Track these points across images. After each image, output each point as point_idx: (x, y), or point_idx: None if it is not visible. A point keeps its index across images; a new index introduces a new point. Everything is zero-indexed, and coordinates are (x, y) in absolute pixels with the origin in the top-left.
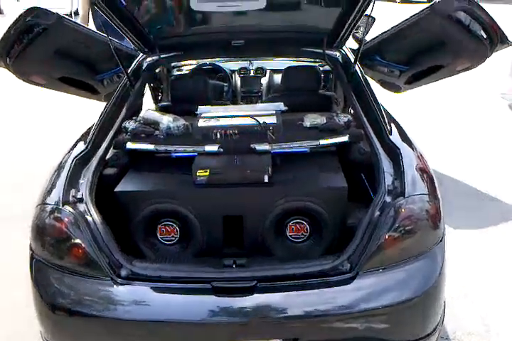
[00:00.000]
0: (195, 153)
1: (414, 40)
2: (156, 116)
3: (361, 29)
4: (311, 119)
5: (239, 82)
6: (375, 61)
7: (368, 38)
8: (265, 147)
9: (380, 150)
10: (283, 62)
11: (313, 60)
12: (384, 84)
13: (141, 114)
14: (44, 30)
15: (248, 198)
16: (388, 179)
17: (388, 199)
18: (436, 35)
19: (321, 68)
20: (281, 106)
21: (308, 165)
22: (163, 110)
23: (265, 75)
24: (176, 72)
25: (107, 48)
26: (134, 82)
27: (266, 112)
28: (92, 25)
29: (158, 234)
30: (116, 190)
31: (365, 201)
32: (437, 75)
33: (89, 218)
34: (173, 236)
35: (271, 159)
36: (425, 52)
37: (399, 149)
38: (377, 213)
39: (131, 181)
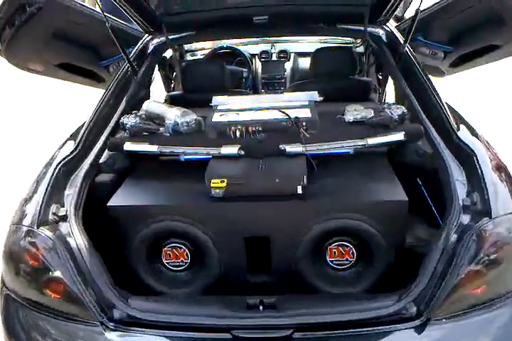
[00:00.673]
0: (210, 156)
1: (465, 15)
2: (162, 109)
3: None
4: (355, 112)
5: (260, 68)
6: (415, 41)
7: (407, 15)
8: (298, 148)
9: (446, 152)
10: (308, 45)
11: (343, 40)
12: (424, 67)
13: (144, 107)
14: (38, 9)
15: (277, 215)
16: (461, 190)
17: (466, 218)
18: (494, 9)
19: None
20: (315, 95)
21: (353, 171)
22: (172, 101)
23: (289, 59)
24: (189, 57)
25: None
26: (137, 68)
27: (297, 103)
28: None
29: (163, 259)
30: (109, 204)
31: (423, 214)
32: (490, 57)
33: (72, 243)
34: (182, 261)
35: (306, 164)
36: (478, 30)
37: (472, 150)
38: (453, 238)
39: (129, 192)
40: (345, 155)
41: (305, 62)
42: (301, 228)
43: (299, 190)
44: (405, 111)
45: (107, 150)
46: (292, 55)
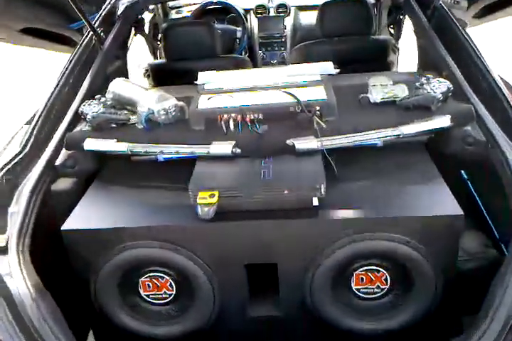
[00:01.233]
0: (195, 155)
1: None
2: (133, 91)
3: None
4: (383, 89)
5: (256, 25)
6: None
7: None
8: (311, 144)
9: (504, 139)
10: None
11: None
12: None
13: (111, 88)
14: None
15: (286, 236)
16: None
17: None
18: None
19: None
20: (329, 67)
21: (385, 172)
22: (155, 73)
23: (289, 14)
24: (174, 16)
25: None
26: (104, 35)
27: (307, 79)
28: None
29: (141, 291)
30: (64, 227)
31: (472, 219)
32: None
33: (13, 288)
34: (165, 293)
35: (322, 165)
36: None
37: None
38: None
39: (91, 210)
40: (372, 149)
41: (308, 18)
42: (319, 252)
43: (315, 202)
44: (450, 86)
45: (64, 148)
46: (293, 9)
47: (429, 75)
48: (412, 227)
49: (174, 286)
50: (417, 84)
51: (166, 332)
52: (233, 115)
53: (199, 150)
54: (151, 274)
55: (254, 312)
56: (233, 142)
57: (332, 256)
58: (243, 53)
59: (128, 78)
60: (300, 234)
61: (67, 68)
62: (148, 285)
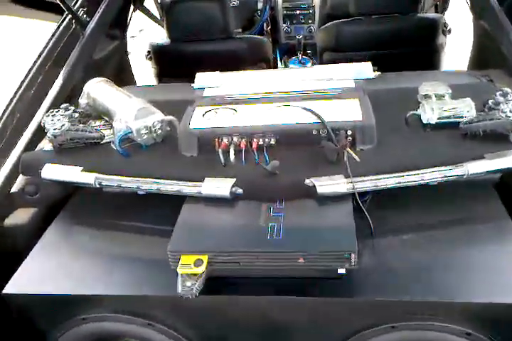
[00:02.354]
0: (182, 191)
1: None
2: (112, 97)
3: None
4: (439, 104)
5: None
6: None
7: None
8: (339, 186)
9: None
10: None
11: None
12: None
13: (85, 89)
14: None
15: (300, 315)
16: None
17: None
18: None
19: None
20: (367, 69)
21: (440, 226)
22: (157, 55)
23: None
24: None
25: None
26: (87, 16)
27: (336, 85)
28: None
29: None
30: (5, 291)
31: None
32: None
33: None
34: None
35: (353, 217)
36: None
37: None
38: None
39: (42, 266)
40: (422, 188)
41: None
42: (346, 339)
43: (341, 271)
44: None
45: (20, 173)
46: None
47: (507, 89)
48: (475, 315)
49: None
50: (490, 101)
51: None
52: (235, 139)
53: (188, 188)
54: None
55: None
56: (233, 180)
57: None
58: (265, 26)
59: (129, 61)
60: (319, 315)
61: (36, 61)
62: None
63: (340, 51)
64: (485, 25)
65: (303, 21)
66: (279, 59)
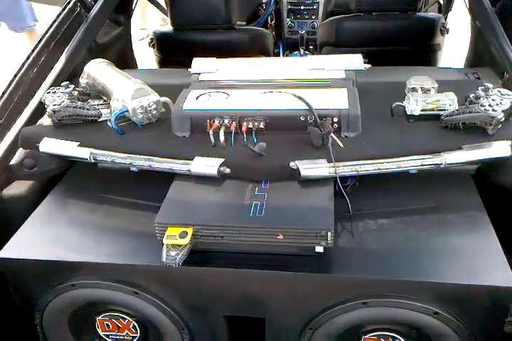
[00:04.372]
0: (172, 169)
1: None
2: (110, 78)
3: None
4: (424, 97)
5: None
6: None
7: None
8: (322, 169)
9: None
10: None
11: None
12: None
13: (85, 70)
14: None
15: (278, 290)
16: None
17: None
18: None
19: None
20: (358, 61)
21: (416, 214)
22: (160, 42)
23: None
24: None
25: None
26: (92, 0)
27: (327, 76)
28: None
29: (98, 330)
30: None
31: None
32: None
33: None
34: (127, 335)
35: (333, 200)
36: None
37: None
38: None
39: (36, 233)
40: (402, 177)
41: None
42: (319, 312)
43: (319, 249)
44: None
45: (20, 147)
46: None
47: (489, 84)
48: (444, 296)
49: (138, 329)
50: (471, 95)
51: None
52: (226, 122)
53: (178, 166)
54: (110, 314)
55: None
56: (221, 160)
57: (336, 319)
58: (269, 20)
59: (131, 48)
60: (296, 288)
61: (40, 41)
62: (107, 324)
63: (339, 46)
64: (479, 26)
65: (306, 17)
66: (281, 53)
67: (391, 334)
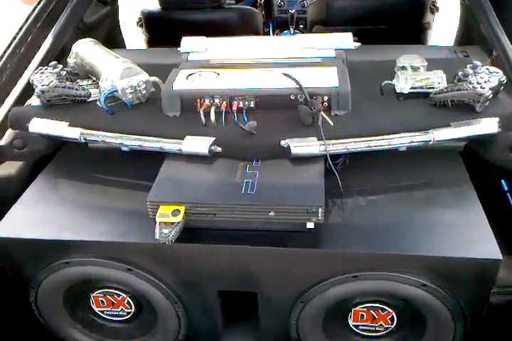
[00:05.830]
0: (163, 148)
1: None
2: (99, 57)
3: None
4: (413, 75)
5: None
6: None
7: None
8: (312, 147)
9: None
10: None
11: None
12: None
13: (73, 49)
14: None
15: (269, 265)
16: None
17: None
18: None
19: None
20: (347, 40)
21: (405, 190)
22: (148, 22)
23: None
24: None
25: None
26: None
27: (316, 54)
28: None
29: (93, 306)
30: None
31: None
32: None
33: None
34: (122, 310)
35: (323, 177)
36: None
37: None
38: None
39: (29, 212)
40: (392, 154)
41: None
42: (310, 286)
43: (310, 226)
44: (503, 79)
45: (9, 127)
46: None
47: (477, 62)
48: (432, 268)
49: (133, 304)
50: (459, 73)
51: None
52: (217, 101)
53: (169, 145)
54: (104, 290)
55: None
56: (212, 138)
57: (326, 293)
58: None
59: (120, 27)
60: (288, 263)
61: (27, 21)
62: (101, 301)
63: (329, 25)
64: (468, 4)
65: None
66: (271, 32)
67: (380, 306)
